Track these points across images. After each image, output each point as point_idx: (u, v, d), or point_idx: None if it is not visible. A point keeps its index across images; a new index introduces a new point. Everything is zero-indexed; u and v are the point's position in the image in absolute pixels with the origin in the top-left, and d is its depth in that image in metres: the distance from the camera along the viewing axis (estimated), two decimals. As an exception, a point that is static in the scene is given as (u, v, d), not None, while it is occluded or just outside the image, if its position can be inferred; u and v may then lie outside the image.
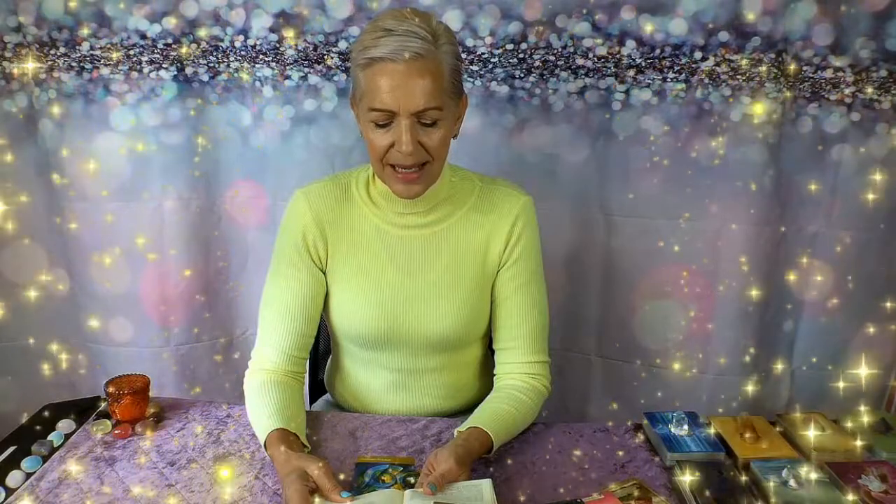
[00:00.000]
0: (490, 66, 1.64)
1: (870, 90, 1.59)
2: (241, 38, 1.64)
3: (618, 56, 1.62)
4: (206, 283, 1.84)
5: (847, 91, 1.60)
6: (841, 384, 1.78)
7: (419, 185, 1.11)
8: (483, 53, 1.63)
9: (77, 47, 1.63)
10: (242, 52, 1.65)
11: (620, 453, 1.13)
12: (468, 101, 1.19)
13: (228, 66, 1.67)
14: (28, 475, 1.04)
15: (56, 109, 1.67)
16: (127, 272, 1.78)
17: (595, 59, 1.62)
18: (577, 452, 1.13)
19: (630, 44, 1.60)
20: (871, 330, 1.77)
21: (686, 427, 1.15)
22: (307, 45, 1.63)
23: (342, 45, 1.63)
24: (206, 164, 1.75)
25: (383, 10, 1.58)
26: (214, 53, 1.66)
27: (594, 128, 1.69)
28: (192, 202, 1.77)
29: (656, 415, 1.20)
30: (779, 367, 1.86)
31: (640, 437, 1.18)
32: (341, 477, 1.03)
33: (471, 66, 1.63)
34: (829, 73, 1.59)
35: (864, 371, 1.79)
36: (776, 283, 1.76)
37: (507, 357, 1.25)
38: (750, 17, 1.54)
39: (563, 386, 1.87)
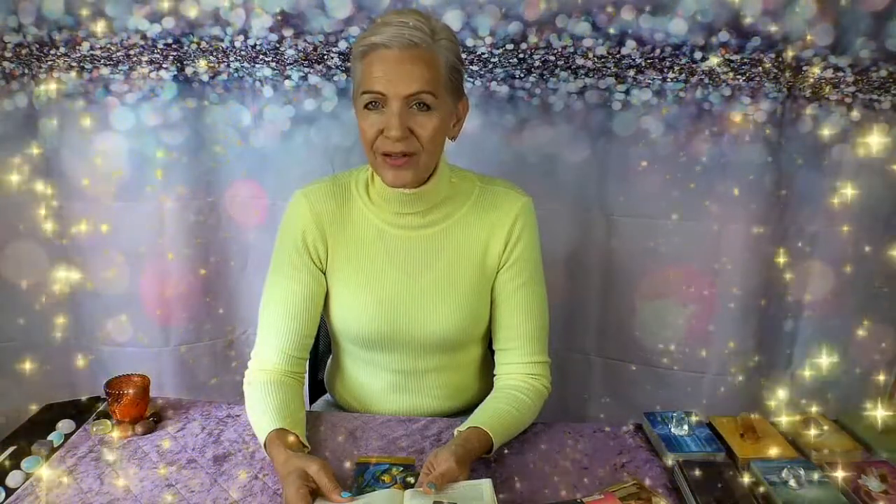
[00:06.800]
0: (490, 66, 1.64)
1: (870, 90, 1.59)
2: (241, 38, 1.64)
3: (618, 56, 1.62)
4: (206, 283, 1.84)
5: (847, 91, 1.60)
6: (841, 384, 1.78)
7: (408, 171, 1.11)
8: (483, 53, 1.63)
9: (77, 47, 1.63)
10: (242, 52, 1.65)
11: (620, 453, 1.13)
12: (469, 105, 1.19)
13: (228, 66, 1.67)
14: (28, 475, 1.04)
15: (56, 109, 1.67)
16: (127, 272, 1.79)
17: (595, 59, 1.62)
18: (577, 452, 1.13)
19: (630, 44, 1.60)
20: (871, 329, 1.77)
21: (686, 427, 1.15)
22: (307, 45, 1.63)
23: (342, 45, 1.63)
24: (206, 164, 1.75)
25: (384, 9, 1.58)
26: (214, 53, 1.66)
27: (594, 128, 1.69)
28: (192, 202, 1.77)
29: (656, 415, 1.20)
30: (779, 366, 1.86)
31: (640, 437, 1.18)
32: (341, 477, 1.03)
33: (471, 66, 1.63)
34: (829, 73, 1.59)
35: (863, 370, 1.79)
36: (776, 283, 1.76)
37: (508, 358, 1.25)
38: (750, 17, 1.54)
39: (563, 386, 1.86)
